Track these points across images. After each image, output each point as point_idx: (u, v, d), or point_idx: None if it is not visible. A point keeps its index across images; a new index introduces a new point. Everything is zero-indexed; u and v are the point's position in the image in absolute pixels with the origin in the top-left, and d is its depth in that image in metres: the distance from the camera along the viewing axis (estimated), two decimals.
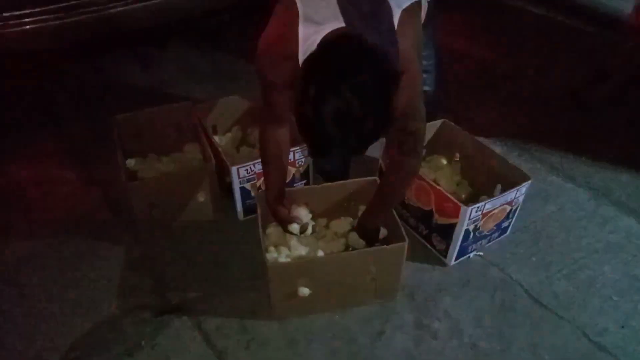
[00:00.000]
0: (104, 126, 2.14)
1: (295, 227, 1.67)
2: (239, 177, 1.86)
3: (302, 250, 1.70)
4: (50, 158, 2.30)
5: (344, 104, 1.07)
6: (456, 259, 1.80)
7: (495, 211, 1.74)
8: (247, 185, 1.90)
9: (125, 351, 1.56)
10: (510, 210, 1.81)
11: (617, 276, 1.79)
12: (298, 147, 1.89)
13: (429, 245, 1.86)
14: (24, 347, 1.58)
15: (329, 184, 1.83)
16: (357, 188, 1.83)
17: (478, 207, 1.67)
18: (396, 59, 1.24)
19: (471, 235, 1.75)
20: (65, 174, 2.21)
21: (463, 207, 1.65)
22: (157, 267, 1.82)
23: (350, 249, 1.74)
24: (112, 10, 2.51)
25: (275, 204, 1.66)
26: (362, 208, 1.79)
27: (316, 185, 1.90)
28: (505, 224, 1.86)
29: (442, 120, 2.05)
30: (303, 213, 1.70)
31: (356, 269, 1.59)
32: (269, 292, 1.60)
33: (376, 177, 1.83)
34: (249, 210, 1.94)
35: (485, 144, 2.00)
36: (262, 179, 1.80)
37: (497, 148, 2.19)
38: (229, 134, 2.21)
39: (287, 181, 1.94)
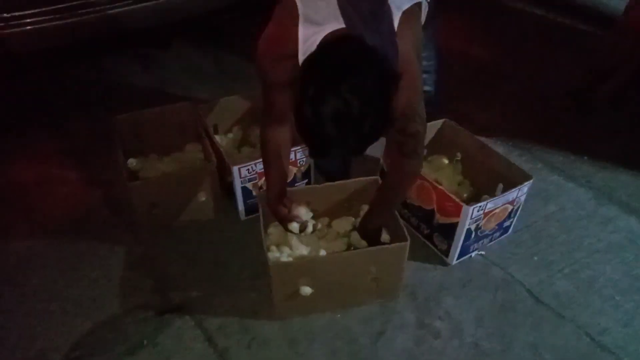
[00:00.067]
0: (105, 126, 2.14)
1: (294, 226, 1.67)
2: (240, 177, 1.87)
3: (303, 250, 1.70)
4: (51, 158, 2.31)
5: (343, 105, 1.08)
6: (458, 258, 1.80)
7: (497, 211, 1.74)
8: (249, 185, 1.90)
9: (127, 350, 1.56)
10: (512, 209, 1.81)
11: (618, 276, 1.79)
12: (299, 147, 1.89)
13: (430, 245, 1.86)
14: (25, 347, 1.58)
15: (330, 183, 1.83)
16: (359, 188, 1.83)
17: (479, 207, 1.67)
18: (395, 60, 1.24)
19: (473, 235, 1.75)
20: (66, 174, 2.21)
21: (464, 207, 1.65)
22: (158, 267, 1.82)
23: (352, 248, 1.74)
24: (114, 11, 2.51)
25: (275, 203, 1.66)
26: (364, 207, 1.79)
27: (317, 185, 1.90)
28: (506, 224, 1.86)
29: (444, 120, 2.05)
30: (303, 212, 1.70)
31: (358, 268, 1.59)
32: (270, 291, 1.60)
33: (377, 177, 1.83)
34: (250, 209, 1.95)
35: (487, 143, 2.00)
36: (264, 178, 1.81)
37: (499, 148, 2.19)
38: (230, 134, 2.22)
39: (288, 181, 1.94)
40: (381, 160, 1.97)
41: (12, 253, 1.87)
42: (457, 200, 1.69)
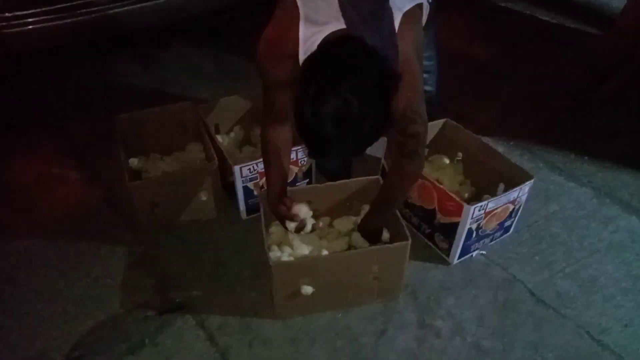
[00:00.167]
0: (106, 126, 2.14)
1: (291, 225, 1.66)
2: (242, 176, 1.87)
3: (305, 249, 1.70)
4: (51, 157, 2.31)
5: (343, 105, 1.08)
6: (459, 258, 1.80)
7: (498, 210, 1.74)
8: (250, 185, 1.90)
9: (128, 350, 1.56)
10: (513, 209, 1.81)
11: (619, 275, 1.79)
12: (300, 147, 1.89)
13: (431, 244, 1.86)
14: (26, 346, 1.58)
15: (332, 183, 1.83)
16: (360, 187, 1.83)
17: (481, 206, 1.68)
18: (396, 60, 1.24)
19: (474, 235, 1.75)
20: (67, 174, 2.22)
21: (466, 206, 1.65)
22: (160, 266, 1.82)
23: (353, 248, 1.74)
24: (115, 10, 2.51)
25: (275, 202, 1.66)
26: (365, 207, 1.79)
27: (319, 185, 1.90)
28: (507, 223, 1.86)
29: (445, 119, 2.05)
30: (303, 210, 1.69)
31: (359, 268, 1.60)
32: (271, 290, 1.60)
33: (379, 177, 1.84)
34: (251, 209, 1.95)
35: (488, 143, 2.00)
36: (265, 178, 1.81)
37: (500, 147, 2.19)
38: (231, 134, 2.22)
39: (289, 180, 1.94)
40: (382, 160, 1.97)
41: (13, 252, 1.87)
42: (458, 199, 1.69)
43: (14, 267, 1.82)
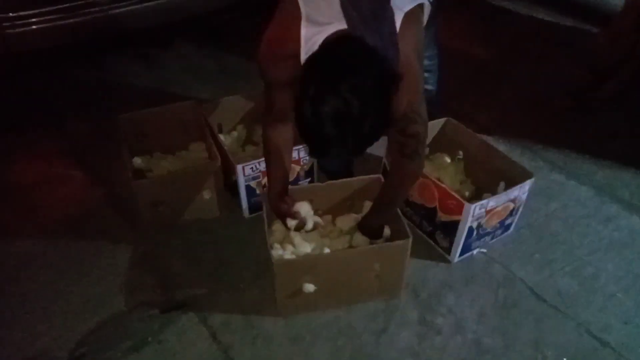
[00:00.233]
0: (107, 125, 2.15)
1: (292, 223, 1.67)
2: (244, 175, 1.88)
3: (307, 248, 1.71)
4: (55, 157, 2.32)
5: (343, 105, 1.09)
6: (460, 256, 1.81)
7: (499, 209, 1.75)
8: (253, 183, 1.91)
9: (131, 348, 1.57)
10: (514, 207, 1.82)
11: (620, 273, 1.79)
12: (302, 146, 1.90)
13: (432, 243, 1.87)
14: (30, 345, 1.59)
15: (333, 182, 1.84)
16: (362, 186, 1.84)
17: (481, 205, 1.68)
18: (396, 61, 1.25)
19: (475, 233, 1.76)
20: (69, 173, 2.23)
21: (466, 205, 1.66)
22: (163, 264, 1.83)
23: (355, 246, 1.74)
24: (116, 11, 2.52)
25: (276, 200, 1.67)
26: (367, 203, 1.80)
27: (320, 184, 1.91)
28: (508, 222, 1.87)
29: (446, 118, 2.06)
30: (304, 209, 1.70)
31: (360, 266, 1.61)
32: (274, 288, 1.61)
33: (380, 175, 1.84)
34: (254, 208, 1.96)
35: (488, 142, 2.01)
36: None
37: (500, 146, 2.19)
38: (234, 133, 2.23)
39: (291, 179, 1.95)
40: (384, 159, 1.98)
41: (15, 252, 1.89)
42: (459, 198, 1.70)
43: (17, 267, 1.84)
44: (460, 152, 2.05)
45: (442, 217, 1.78)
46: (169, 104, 2.16)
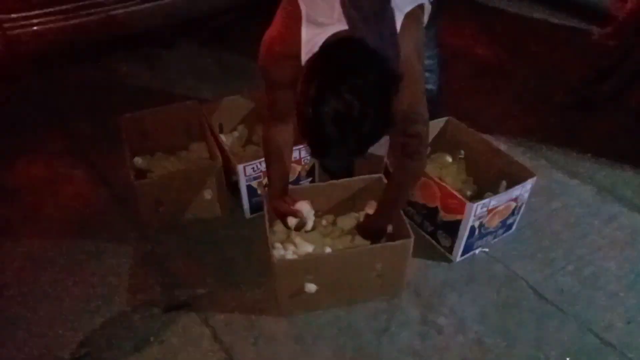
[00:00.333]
0: (111, 125, 2.16)
1: (292, 222, 1.67)
2: (246, 175, 1.88)
3: (308, 247, 1.71)
4: (58, 157, 2.32)
5: (343, 106, 1.09)
6: (461, 255, 1.81)
7: (501, 208, 1.75)
8: (254, 183, 1.91)
9: (134, 347, 1.58)
10: (515, 206, 1.81)
11: (622, 272, 1.79)
12: (303, 145, 1.90)
13: (434, 242, 1.87)
14: (34, 344, 1.60)
15: (335, 181, 1.84)
16: (363, 185, 1.84)
17: (483, 204, 1.68)
18: (397, 62, 1.25)
19: (476, 232, 1.76)
20: (73, 173, 2.23)
21: (468, 204, 1.66)
22: (165, 264, 1.84)
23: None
24: (119, 11, 2.53)
25: (276, 199, 1.67)
26: (371, 202, 1.80)
27: (322, 183, 1.91)
28: (510, 221, 1.86)
29: (447, 118, 2.06)
30: (305, 208, 1.70)
31: (362, 265, 1.61)
32: (275, 288, 1.61)
33: (381, 175, 1.85)
34: (255, 208, 1.96)
35: (490, 141, 2.01)
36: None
37: (502, 145, 2.19)
38: (235, 133, 2.23)
39: (292, 179, 1.95)
40: (385, 159, 1.98)
41: (20, 252, 1.89)
42: (461, 197, 1.70)
43: (21, 266, 1.84)
44: (462, 152, 2.05)
45: (444, 216, 1.78)
46: (170, 104, 2.16)
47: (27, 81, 2.79)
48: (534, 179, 1.77)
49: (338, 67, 1.13)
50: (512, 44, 3.09)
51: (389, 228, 1.72)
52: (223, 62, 2.96)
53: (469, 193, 1.96)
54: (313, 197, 1.77)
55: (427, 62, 1.58)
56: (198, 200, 1.94)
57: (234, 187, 1.97)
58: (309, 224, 1.70)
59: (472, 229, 1.73)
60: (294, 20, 1.28)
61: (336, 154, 1.19)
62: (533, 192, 1.84)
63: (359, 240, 1.76)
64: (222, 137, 2.11)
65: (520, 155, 2.24)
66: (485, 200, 1.69)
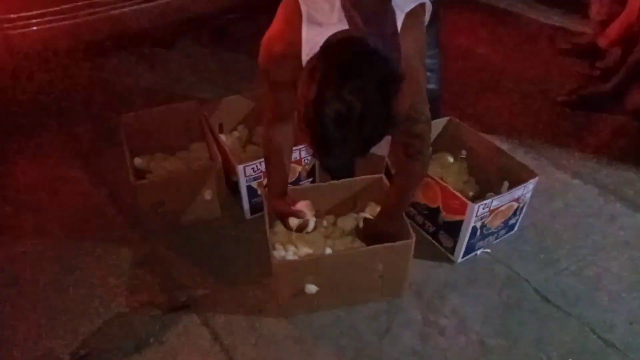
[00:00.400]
0: (111, 125, 2.15)
1: (294, 222, 1.65)
2: (246, 176, 1.87)
3: (309, 248, 1.71)
4: (57, 157, 2.32)
5: (344, 106, 1.08)
6: (463, 256, 1.80)
7: (502, 208, 1.74)
8: (254, 184, 1.91)
9: (134, 347, 1.57)
10: (518, 207, 1.80)
11: (625, 273, 1.78)
12: (304, 145, 1.90)
13: (435, 243, 1.86)
14: (33, 345, 1.59)
15: (335, 181, 1.84)
16: (364, 186, 1.84)
17: (485, 204, 1.67)
18: (398, 62, 1.24)
19: (478, 233, 1.75)
20: (73, 173, 2.23)
21: (470, 204, 1.65)
22: (164, 265, 1.83)
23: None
24: (119, 11, 2.53)
25: (276, 200, 1.67)
26: (371, 204, 1.79)
27: (322, 183, 1.90)
28: (512, 221, 1.86)
29: (448, 118, 2.05)
30: (307, 209, 1.69)
31: (363, 266, 1.60)
32: (276, 289, 1.61)
33: (382, 175, 1.84)
34: (255, 208, 1.95)
35: (492, 141, 2.00)
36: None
37: (504, 145, 2.19)
38: (235, 133, 2.22)
39: (293, 179, 1.95)
40: (386, 159, 1.98)
41: (20, 252, 1.89)
42: (463, 197, 1.69)
43: (21, 267, 1.84)
44: (464, 152, 2.04)
45: (446, 217, 1.77)
46: (170, 104, 2.16)
47: (27, 81, 2.78)
48: (536, 179, 1.77)
49: (339, 67, 1.12)
50: (513, 43, 3.08)
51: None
52: (223, 62, 2.95)
53: (470, 193, 1.95)
54: (314, 197, 1.76)
55: (428, 61, 1.58)
56: (198, 200, 1.93)
57: (234, 188, 1.97)
58: (311, 225, 1.68)
59: (474, 229, 1.72)
60: (294, 20, 1.27)
61: (337, 154, 1.18)
62: (535, 193, 1.83)
63: (359, 241, 1.75)
64: (222, 137, 2.10)
65: (522, 155, 2.23)
66: (487, 201, 1.68)
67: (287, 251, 1.69)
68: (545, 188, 2.06)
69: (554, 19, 3.27)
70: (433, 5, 1.45)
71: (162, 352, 1.56)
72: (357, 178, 1.86)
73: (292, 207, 1.66)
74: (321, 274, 1.57)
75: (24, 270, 1.82)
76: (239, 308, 1.68)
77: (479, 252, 1.84)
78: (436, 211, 1.80)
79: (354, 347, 1.57)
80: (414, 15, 1.30)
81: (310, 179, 2.05)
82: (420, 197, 1.86)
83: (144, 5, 2.56)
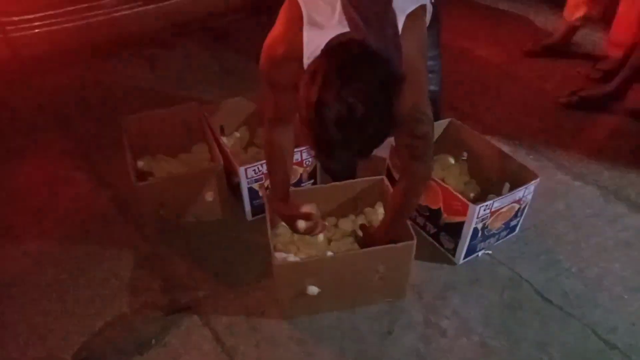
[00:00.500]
0: (112, 127, 2.15)
1: (302, 224, 1.62)
2: (247, 178, 1.87)
3: (310, 250, 1.71)
4: (59, 159, 2.32)
5: (346, 109, 1.08)
6: (464, 257, 1.80)
7: (504, 209, 1.74)
8: (255, 186, 1.91)
9: (136, 349, 1.57)
10: (519, 208, 1.80)
11: (627, 274, 1.78)
12: (305, 147, 1.90)
13: (437, 244, 1.86)
14: (35, 347, 1.60)
15: (337, 183, 1.84)
16: (365, 187, 1.84)
17: (486, 206, 1.67)
18: (399, 63, 1.24)
19: (479, 234, 1.75)
20: (74, 175, 2.23)
21: (471, 206, 1.65)
22: (166, 267, 1.83)
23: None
24: (121, 13, 2.54)
25: (281, 203, 1.66)
26: (368, 211, 1.78)
27: (324, 185, 1.91)
28: (513, 223, 1.86)
29: (450, 119, 2.05)
30: (314, 211, 1.68)
31: (364, 267, 1.60)
32: (277, 291, 1.61)
33: (384, 177, 1.84)
34: (257, 210, 1.96)
35: (493, 142, 2.00)
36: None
37: (505, 146, 2.18)
38: (236, 135, 2.23)
39: (294, 181, 1.95)
40: (388, 160, 1.98)
41: (22, 254, 1.89)
42: (464, 199, 1.69)
43: (23, 268, 1.84)
44: (465, 153, 2.04)
45: (447, 218, 1.77)
46: (171, 106, 2.16)
47: (29, 83, 2.79)
48: (538, 180, 1.76)
49: (340, 69, 1.12)
50: (514, 44, 3.08)
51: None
52: (224, 64, 2.96)
53: (471, 195, 1.95)
54: (315, 199, 1.76)
55: (429, 63, 1.57)
56: (199, 202, 1.93)
57: (235, 189, 1.97)
58: (319, 227, 1.64)
59: (475, 231, 1.72)
60: (295, 22, 1.28)
61: (339, 156, 1.18)
62: (536, 194, 1.83)
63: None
64: (224, 139, 2.10)
65: (523, 156, 2.23)
66: (488, 202, 1.68)
67: (289, 253, 1.69)
68: (546, 189, 2.06)
69: (555, 19, 3.26)
70: (433, 7, 1.46)
71: (163, 353, 1.56)
72: (359, 179, 1.86)
73: (299, 210, 1.65)
74: (322, 275, 1.57)
75: (25, 272, 1.82)
76: (240, 309, 1.68)
77: (480, 253, 1.84)
78: (437, 213, 1.80)
79: (356, 348, 1.57)
80: (414, 16, 1.30)
81: (312, 181, 2.06)
82: (421, 199, 1.85)
83: (145, 8, 2.58)
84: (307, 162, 1.98)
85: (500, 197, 1.71)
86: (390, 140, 1.72)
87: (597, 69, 2.72)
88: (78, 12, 2.48)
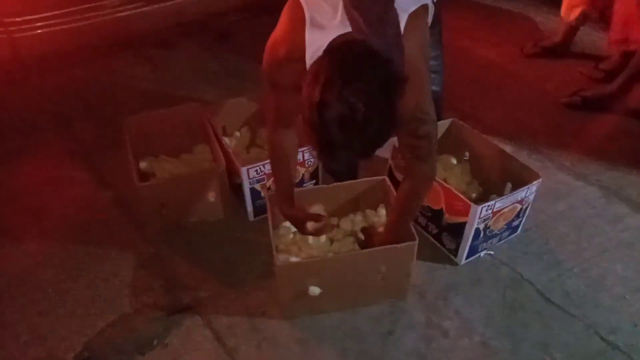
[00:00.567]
0: (113, 127, 2.16)
1: (313, 226, 1.60)
2: (249, 178, 1.87)
3: (312, 250, 1.71)
4: (60, 159, 2.32)
5: (348, 109, 1.08)
6: (466, 258, 1.80)
7: (506, 210, 1.74)
8: (257, 186, 1.91)
9: (137, 350, 1.57)
10: (521, 209, 1.80)
11: (629, 274, 1.77)
12: (307, 148, 1.90)
13: (439, 245, 1.86)
14: (37, 347, 1.60)
15: (339, 183, 1.84)
16: (367, 187, 1.84)
17: (488, 206, 1.67)
18: (401, 63, 1.24)
19: (481, 234, 1.75)
20: (76, 175, 2.23)
21: (473, 206, 1.65)
22: (168, 267, 1.83)
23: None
24: (123, 14, 2.54)
25: (285, 205, 1.66)
26: (369, 213, 1.78)
27: (325, 185, 1.90)
28: (515, 223, 1.85)
29: (452, 119, 2.05)
30: (322, 212, 1.67)
31: (366, 268, 1.60)
32: (279, 291, 1.61)
33: (385, 177, 1.84)
34: (259, 210, 1.95)
35: (495, 142, 2.00)
36: (272, 179, 1.81)
37: (507, 147, 2.18)
38: (238, 135, 2.23)
39: (296, 181, 1.95)
40: (390, 161, 1.98)
41: (23, 254, 1.89)
42: (466, 199, 1.69)
43: (23, 268, 1.84)
44: (467, 153, 2.04)
45: (449, 218, 1.77)
46: (173, 106, 2.16)
47: (31, 83, 2.79)
48: (539, 180, 1.76)
49: (342, 70, 1.12)
50: (515, 44, 3.08)
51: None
52: (226, 64, 2.96)
53: (473, 195, 1.95)
54: (317, 199, 1.76)
55: (431, 63, 1.57)
56: (201, 202, 1.94)
57: (237, 190, 1.97)
58: (328, 228, 1.63)
59: (477, 231, 1.72)
60: (298, 23, 1.28)
61: (341, 157, 1.18)
62: (538, 194, 1.83)
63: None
64: (226, 140, 2.10)
65: (525, 156, 2.23)
66: (490, 202, 1.68)
67: (290, 253, 1.69)
68: (548, 190, 2.06)
69: (555, 19, 3.26)
70: (435, 7, 1.45)
71: (165, 353, 1.56)
72: (360, 180, 1.86)
73: (308, 212, 1.63)
74: (324, 276, 1.57)
75: (27, 272, 1.82)
76: (242, 310, 1.68)
77: (482, 253, 1.84)
78: (439, 213, 1.80)
79: (357, 349, 1.57)
80: (416, 16, 1.30)
81: (314, 181, 2.06)
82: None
83: (147, 8, 2.58)
84: (309, 163, 1.98)
85: (502, 198, 1.71)
86: (392, 140, 1.72)
87: (599, 69, 2.72)
88: (80, 13, 2.49)
